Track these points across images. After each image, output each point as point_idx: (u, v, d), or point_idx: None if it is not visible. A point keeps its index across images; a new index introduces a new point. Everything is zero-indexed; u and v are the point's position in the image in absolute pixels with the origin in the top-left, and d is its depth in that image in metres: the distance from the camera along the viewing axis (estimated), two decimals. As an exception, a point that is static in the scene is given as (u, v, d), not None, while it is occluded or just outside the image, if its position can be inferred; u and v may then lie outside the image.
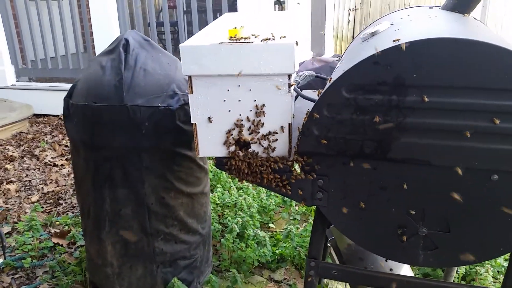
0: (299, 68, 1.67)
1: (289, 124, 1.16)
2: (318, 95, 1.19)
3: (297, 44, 1.11)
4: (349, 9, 7.91)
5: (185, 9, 4.29)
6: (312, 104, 1.09)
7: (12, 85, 4.97)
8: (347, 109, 1.02)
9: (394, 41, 0.95)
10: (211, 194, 2.63)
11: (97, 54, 2.98)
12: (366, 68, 0.97)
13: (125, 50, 1.64)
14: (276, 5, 4.41)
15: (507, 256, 1.63)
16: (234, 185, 2.86)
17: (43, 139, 4.15)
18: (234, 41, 1.11)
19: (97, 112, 1.60)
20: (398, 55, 0.94)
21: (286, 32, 1.18)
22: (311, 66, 2.95)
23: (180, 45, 1.14)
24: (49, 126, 4.58)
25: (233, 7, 4.10)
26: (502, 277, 1.95)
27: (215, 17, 4.12)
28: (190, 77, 1.16)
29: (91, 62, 1.82)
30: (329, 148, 1.07)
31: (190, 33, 4.26)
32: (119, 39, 1.69)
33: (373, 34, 1.18)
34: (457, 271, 1.92)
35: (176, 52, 3.81)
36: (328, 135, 1.06)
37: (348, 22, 7.97)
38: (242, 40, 1.11)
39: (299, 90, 1.23)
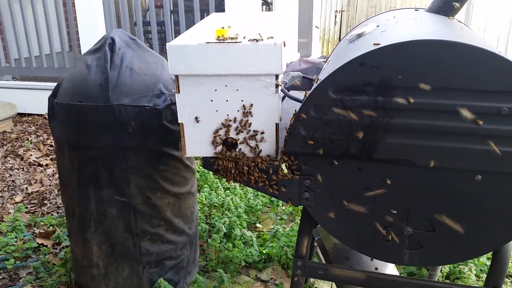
0: (286, 69, 1.68)
1: (277, 124, 1.16)
2: (305, 96, 1.20)
3: (284, 45, 1.11)
4: (336, 11, 7.96)
5: (172, 9, 4.27)
6: (299, 104, 1.09)
7: (-4, 84, 4.88)
8: (333, 108, 1.02)
9: (374, 44, 0.97)
10: (198, 194, 2.63)
11: (82, 53, 2.94)
12: (352, 69, 0.98)
13: (111, 49, 1.63)
14: (264, 6, 4.41)
15: (489, 255, 1.66)
16: (221, 185, 2.85)
17: (27, 139, 4.09)
18: (221, 41, 1.10)
19: (82, 112, 1.58)
20: (384, 56, 0.95)
21: (274, 32, 1.18)
22: (298, 67, 2.96)
23: (167, 44, 1.14)
24: (34, 125, 4.51)
25: (220, 8, 4.09)
26: (484, 275, 1.98)
27: (202, 17, 4.10)
28: (177, 76, 1.16)
29: (76, 61, 1.80)
30: (316, 148, 1.08)
31: (177, 33, 4.24)
32: (105, 38, 1.67)
33: (359, 35, 1.19)
34: (441, 270, 1.95)
35: (163, 51, 3.79)
36: (315, 135, 1.06)
37: (335, 24, 8.03)
38: (230, 40, 1.11)
39: (286, 90, 1.24)
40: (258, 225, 2.51)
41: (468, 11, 5.29)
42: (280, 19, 1.52)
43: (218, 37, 1.12)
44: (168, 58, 1.15)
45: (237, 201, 2.55)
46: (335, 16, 8.04)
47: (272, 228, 2.30)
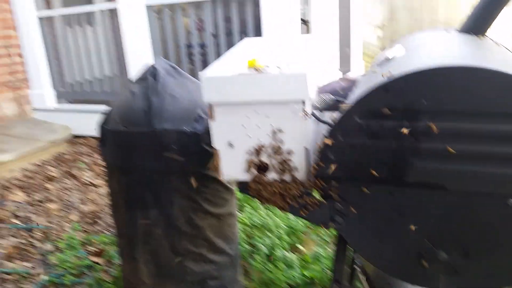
0: (325, 88, 1.71)
1: (306, 149, 1.19)
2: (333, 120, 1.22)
3: (311, 73, 1.15)
4: (377, 25, 7.87)
5: (213, 32, 4.43)
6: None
7: (52, 107, 5.25)
8: (361, 134, 1.04)
9: (398, 70, 0.98)
10: (239, 213, 2.67)
11: (131, 76, 3.12)
12: (378, 95, 0.99)
13: (153, 78, 1.74)
14: (303, 24, 4.47)
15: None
16: (262, 205, 2.89)
17: (81, 160, 4.35)
18: (252, 71, 1.16)
19: (128, 137, 1.69)
20: (408, 82, 0.96)
21: (302, 59, 1.23)
22: (338, 86, 2.95)
23: (202, 75, 1.21)
24: (87, 147, 4.78)
25: (258, 30, 4.19)
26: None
27: (241, 38, 4.23)
28: (211, 104, 1.22)
29: (123, 89, 1.92)
30: (345, 173, 1.09)
31: (218, 54, 4.38)
32: (148, 67, 1.79)
33: (386, 59, 1.20)
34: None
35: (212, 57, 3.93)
36: (344, 160, 1.08)
37: (377, 39, 7.93)
38: (259, 71, 1.16)
39: (316, 114, 1.27)
40: (299, 246, 2.52)
41: None
42: (312, 42, 1.56)
43: (249, 67, 1.18)
44: (202, 87, 1.22)
45: (278, 222, 2.57)
46: (377, 31, 7.95)
47: (314, 250, 2.29)
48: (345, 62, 5.56)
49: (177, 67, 1.83)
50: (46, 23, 5.06)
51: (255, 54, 1.32)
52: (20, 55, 5.18)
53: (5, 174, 3.94)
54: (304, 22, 4.09)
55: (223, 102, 1.20)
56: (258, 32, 4.16)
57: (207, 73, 1.21)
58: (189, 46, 4.66)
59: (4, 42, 5.00)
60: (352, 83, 3.01)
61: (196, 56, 4.59)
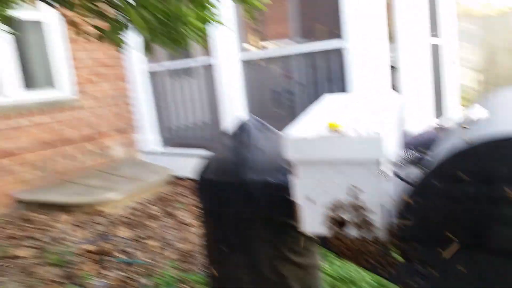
0: (414, 139, 1.73)
1: (384, 207, 1.22)
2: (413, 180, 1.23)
3: (391, 131, 1.20)
4: (478, 70, 7.47)
5: (300, 81, 4.65)
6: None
7: (156, 151, 5.79)
8: (441, 198, 1.05)
9: (479, 134, 0.98)
10: (323, 263, 2.67)
11: (225, 125, 3.39)
12: (457, 160, 1.01)
13: (245, 133, 1.91)
14: (392, 70, 4.46)
15: None
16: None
17: (179, 200, 4.69)
18: (331, 133, 1.24)
19: (221, 186, 1.86)
20: (488, 149, 0.96)
21: (383, 117, 1.28)
22: (432, 136, 2.88)
23: (283, 134, 1.32)
24: (185, 188, 5.15)
25: (343, 79, 4.28)
26: None
27: (328, 86, 4.35)
28: (293, 162, 1.32)
29: (219, 141, 2.13)
30: (425, 234, 1.10)
31: (304, 101, 4.56)
32: (241, 123, 1.98)
33: (469, 120, 1.21)
34: None
35: (294, 115, 4.11)
36: (423, 221, 1.09)
37: (478, 83, 7.50)
38: (338, 132, 1.24)
39: (396, 171, 1.30)
40: (386, 301, 2.43)
41: None
42: (395, 97, 1.60)
43: (330, 129, 1.27)
44: (285, 145, 1.34)
45: (363, 274, 2.51)
46: (477, 75, 7.53)
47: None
48: (439, 107, 5.36)
49: (265, 122, 1.99)
50: (153, 75, 5.71)
51: (334, 113, 1.40)
52: (130, 104, 5.86)
53: (112, 210, 4.40)
54: (393, 68, 4.08)
55: (304, 161, 1.30)
56: (343, 81, 4.25)
57: (291, 134, 1.32)
58: (278, 92, 4.92)
59: (117, 92, 5.71)
60: (444, 132, 2.92)
61: (285, 103, 4.81)
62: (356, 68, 4.11)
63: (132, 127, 5.93)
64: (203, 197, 1.99)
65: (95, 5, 1.08)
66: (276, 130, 2.00)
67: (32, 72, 4.90)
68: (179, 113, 5.67)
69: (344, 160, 1.23)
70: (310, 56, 4.48)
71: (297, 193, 1.34)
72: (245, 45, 5.02)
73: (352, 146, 1.20)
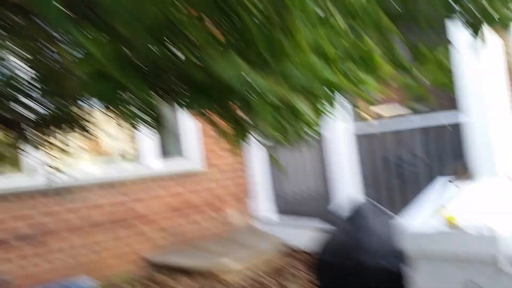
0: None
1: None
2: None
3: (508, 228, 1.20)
4: None
5: (415, 154, 4.55)
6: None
7: (270, 220, 6.00)
8: None
9: None
10: None
11: (336, 195, 3.51)
12: None
13: (361, 217, 2.01)
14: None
15: None
16: None
17: (291, 272, 4.73)
18: (450, 229, 1.29)
19: (335, 266, 1.96)
20: None
21: (502, 211, 1.29)
22: None
23: (400, 223, 1.39)
24: (298, 260, 5.18)
25: (460, 154, 4.09)
26: None
27: (440, 160, 4.18)
28: (411, 255, 1.38)
29: (333, 221, 2.25)
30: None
31: (420, 174, 4.42)
32: (357, 207, 2.08)
33: None
34: None
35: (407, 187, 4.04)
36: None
37: None
38: (457, 227, 1.27)
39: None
40: None
41: None
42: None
43: (447, 223, 1.31)
44: (402, 237, 1.40)
45: None
46: None
47: None
48: None
49: (379, 205, 2.06)
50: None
51: (450, 201, 1.44)
52: (248, 174, 6.27)
53: (231, 278, 4.61)
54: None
55: (422, 254, 1.35)
56: (460, 157, 4.06)
57: (408, 225, 1.39)
58: (391, 163, 4.87)
59: (239, 165, 6.19)
60: None
61: (400, 173, 4.71)
62: (475, 144, 3.92)
63: (249, 196, 6.30)
64: (322, 277, 2.13)
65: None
66: (391, 213, 2.05)
67: (164, 143, 5.55)
68: (294, 184, 5.89)
69: (463, 256, 1.25)
70: (426, 129, 4.41)
71: (415, 286, 1.38)
72: (357, 112, 5.10)
73: (471, 243, 1.22)
